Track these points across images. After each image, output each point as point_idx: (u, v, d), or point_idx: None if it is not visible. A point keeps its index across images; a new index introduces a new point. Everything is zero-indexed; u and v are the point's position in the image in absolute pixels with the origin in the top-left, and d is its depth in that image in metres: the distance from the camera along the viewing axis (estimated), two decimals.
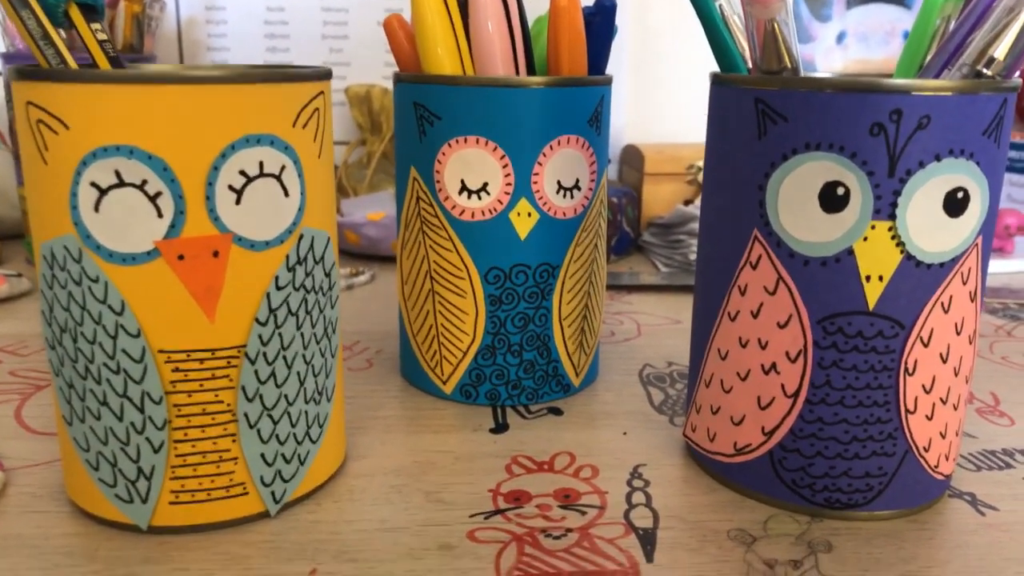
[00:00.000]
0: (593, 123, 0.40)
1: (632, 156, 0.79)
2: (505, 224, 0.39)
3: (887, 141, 0.27)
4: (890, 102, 0.27)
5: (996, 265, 0.69)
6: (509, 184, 0.38)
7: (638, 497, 0.33)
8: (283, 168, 0.28)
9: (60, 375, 0.29)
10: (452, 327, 0.41)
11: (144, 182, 0.26)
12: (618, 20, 0.41)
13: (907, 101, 0.27)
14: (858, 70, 0.89)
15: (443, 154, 0.38)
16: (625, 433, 0.39)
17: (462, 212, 0.39)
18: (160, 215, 0.27)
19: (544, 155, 0.38)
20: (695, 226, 0.69)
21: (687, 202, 0.75)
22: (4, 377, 0.44)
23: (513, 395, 0.41)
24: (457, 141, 0.38)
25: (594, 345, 0.44)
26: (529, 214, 0.39)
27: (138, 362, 0.28)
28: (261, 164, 0.28)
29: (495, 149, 0.38)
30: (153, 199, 0.27)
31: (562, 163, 0.39)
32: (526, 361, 0.41)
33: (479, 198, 0.39)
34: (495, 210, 0.39)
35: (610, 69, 0.41)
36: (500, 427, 0.39)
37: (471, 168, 0.38)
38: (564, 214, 0.40)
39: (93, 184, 0.26)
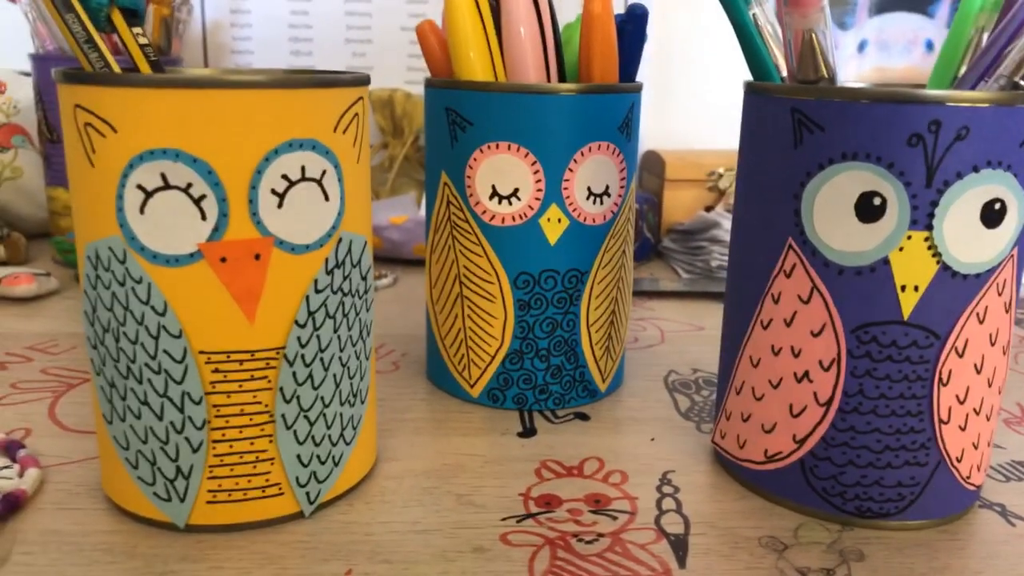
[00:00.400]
0: (623, 130, 0.40)
1: (653, 162, 0.79)
2: (535, 229, 0.39)
3: (925, 152, 0.27)
4: (929, 113, 0.27)
5: None
6: (540, 190, 0.39)
7: (668, 503, 0.33)
8: (324, 172, 0.29)
9: (102, 374, 0.30)
10: (480, 331, 0.41)
11: (189, 185, 0.27)
12: None
13: (946, 112, 0.27)
14: (879, 78, 0.89)
15: (474, 160, 0.39)
16: (653, 439, 0.39)
17: (492, 217, 0.39)
18: (204, 218, 0.27)
19: (575, 161, 0.39)
20: (716, 232, 0.69)
21: (708, 208, 0.75)
22: (36, 375, 0.44)
23: (540, 400, 0.42)
24: (489, 147, 0.38)
25: (620, 351, 0.44)
26: (559, 220, 0.39)
27: (179, 362, 0.28)
28: (303, 168, 0.28)
29: (526, 155, 0.38)
30: (197, 202, 0.27)
31: (592, 169, 0.39)
32: (553, 366, 0.41)
33: (510, 203, 0.39)
34: (525, 215, 0.39)
35: (637, 74, 0.42)
36: (528, 431, 0.39)
37: (502, 174, 0.39)
38: (594, 220, 0.40)
39: (139, 186, 0.27)
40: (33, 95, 0.69)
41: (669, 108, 0.87)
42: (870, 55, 0.88)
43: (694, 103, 0.87)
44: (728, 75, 0.81)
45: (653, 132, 0.87)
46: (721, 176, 0.75)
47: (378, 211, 0.71)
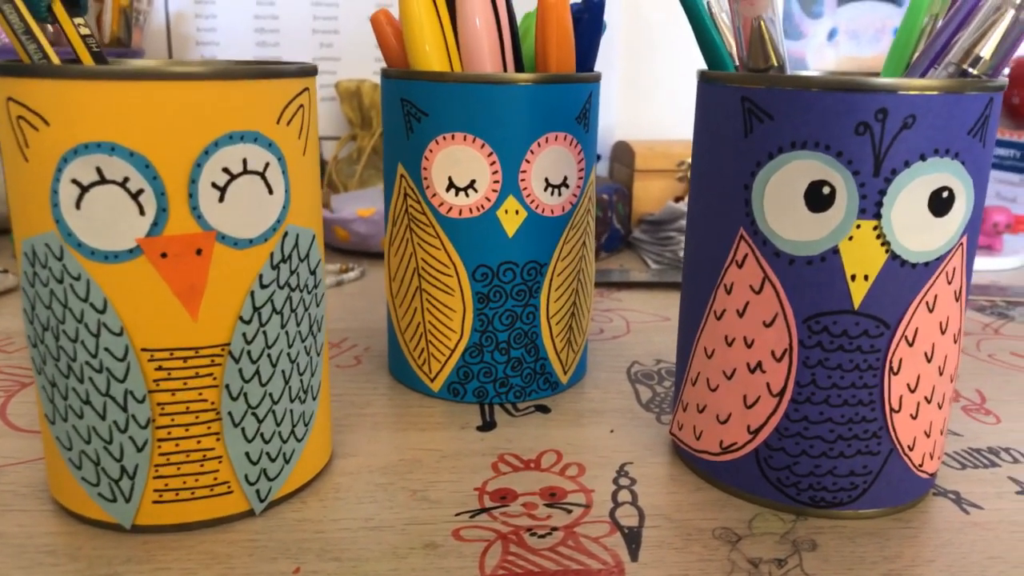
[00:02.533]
0: (581, 120, 0.40)
1: (623, 153, 0.79)
2: (493, 221, 0.39)
3: (872, 140, 0.27)
4: (875, 101, 0.27)
5: (985, 263, 0.70)
6: (497, 181, 0.38)
7: (624, 495, 0.33)
8: (267, 165, 0.28)
9: (43, 373, 0.29)
10: (440, 324, 0.41)
11: (126, 179, 0.26)
12: (609, 17, 0.41)
13: (893, 100, 0.27)
14: (849, 67, 0.89)
15: (430, 151, 0.38)
16: (612, 431, 0.39)
17: (450, 209, 0.39)
18: (142, 213, 0.26)
19: (532, 152, 0.38)
20: (685, 223, 0.69)
21: (678, 199, 0.75)
22: None
23: (501, 393, 0.41)
24: (444, 138, 0.38)
25: (582, 343, 0.44)
26: (517, 211, 0.39)
27: (121, 360, 0.28)
28: (245, 161, 0.28)
29: (483, 146, 0.38)
30: (135, 196, 0.26)
31: (550, 161, 0.39)
32: (514, 359, 0.41)
33: (467, 195, 0.39)
34: (483, 207, 0.39)
35: (600, 66, 0.41)
36: (487, 425, 0.39)
37: (459, 165, 0.38)
38: (552, 212, 0.40)
39: (74, 181, 0.26)
40: None
41: (639, 98, 0.87)
42: (841, 44, 0.89)
43: (664, 94, 0.87)
44: (697, 66, 0.81)
45: (623, 122, 0.86)
46: (690, 167, 0.75)
47: (345, 203, 0.70)
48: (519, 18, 0.41)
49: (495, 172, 0.38)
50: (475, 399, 0.41)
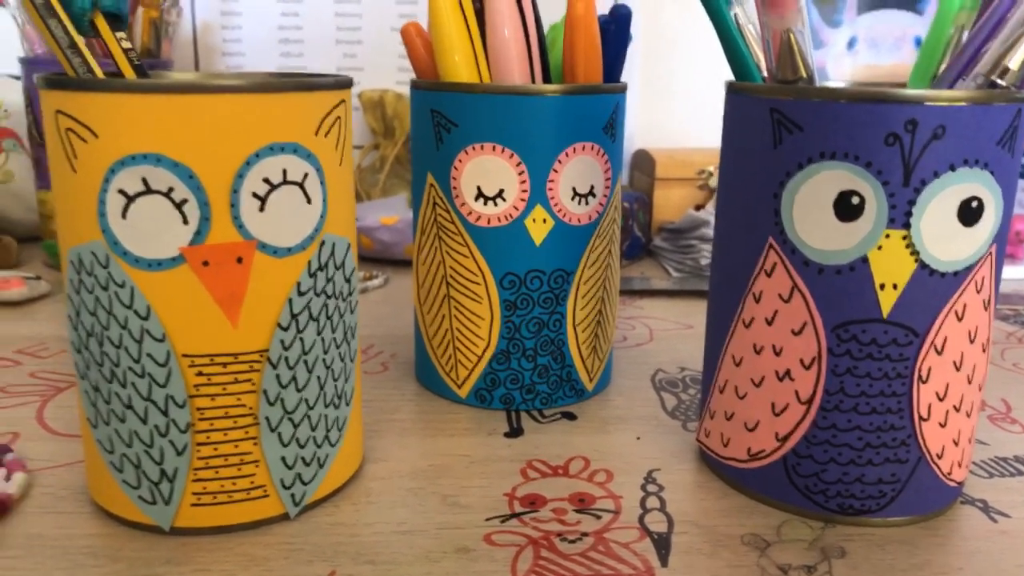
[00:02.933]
0: (608, 130, 0.40)
1: (643, 161, 0.79)
2: (520, 230, 0.39)
3: (902, 151, 0.27)
4: (905, 112, 0.27)
5: (1008, 271, 0.69)
6: (525, 191, 0.39)
7: (652, 502, 0.33)
8: (306, 176, 0.29)
9: (86, 378, 0.30)
10: (467, 332, 0.41)
11: (171, 189, 0.27)
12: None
13: (922, 111, 0.27)
14: (868, 75, 0.89)
15: (460, 161, 0.39)
16: (638, 438, 0.39)
17: (478, 218, 0.39)
18: (186, 222, 0.27)
19: (559, 162, 0.39)
20: (706, 231, 0.69)
21: (698, 207, 0.75)
22: (25, 379, 0.44)
23: (527, 399, 0.42)
24: (474, 148, 0.39)
25: (607, 350, 0.44)
26: (544, 220, 0.39)
27: (163, 366, 0.28)
28: (285, 172, 0.28)
29: (511, 156, 0.38)
30: (179, 206, 0.27)
31: (577, 170, 0.39)
32: (540, 366, 0.41)
33: (495, 204, 0.39)
34: (511, 216, 0.39)
35: (621, 75, 0.42)
36: (514, 431, 0.40)
37: (487, 175, 0.39)
38: (579, 220, 0.40)
39: (121, 191, 0.27)
40: (23, 99, 0.69)
41: (659, 107, 0.87)
42: (860, 52, 0.89)
43: (684, 102, 0.87)
44: (717, 74, 0.81)
45: (643, 131, 0.87)
46: (711, 175, 0.75)
47: (369, 212, 0.71)
48: (546, 29, 0.42)
49: (523, 182, 0.39)
50: (502, 406, 0.42)
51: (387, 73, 0.84)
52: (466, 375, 0.42)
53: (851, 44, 0.88)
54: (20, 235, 0.73)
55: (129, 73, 0.32)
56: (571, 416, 0.41)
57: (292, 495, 0.31)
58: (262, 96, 0.27)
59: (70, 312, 0.30)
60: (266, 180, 0.28)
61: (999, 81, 0.29)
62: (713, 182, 0.75)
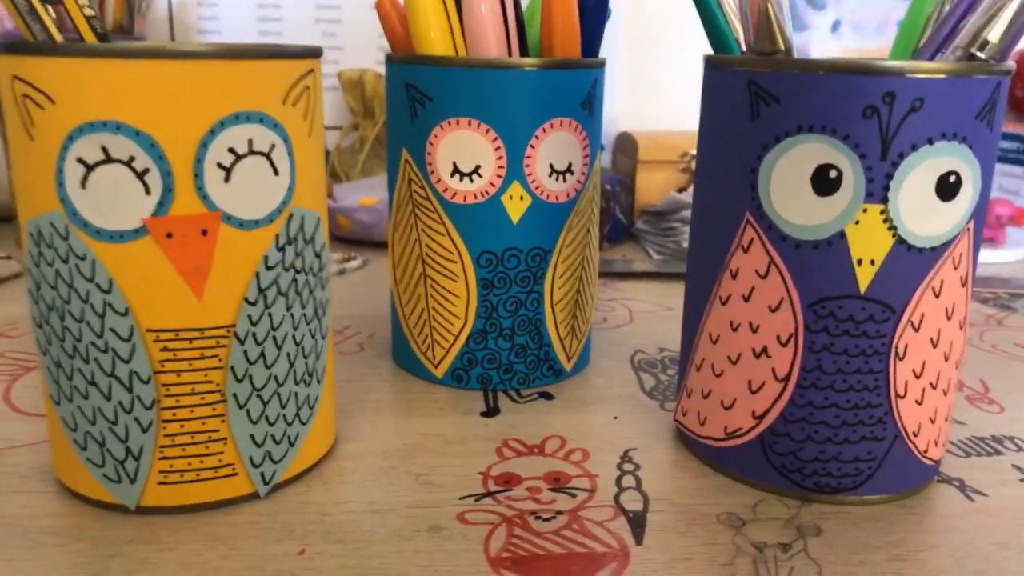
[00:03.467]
0: (586, 106, 0.39)
1: (626, 143, 0.79)
2: (497, 207, 0.39)
3: (880, 124, 0.27)
4: (883, 84, 0.27)
5: (988, 255, 0.70)
6: (501, 167, 0.38)
7: (628, 480, 0.33)
8: (273, 146, 0.28)
9: (47, 354, 0.29)
10: (444, 311, 0.41)
11: (131, 158, 0.26)
12: (612, 6, 0.41)
13: (900, 83, 0.27)
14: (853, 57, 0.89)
15: (435, 136, 0.38)
16: (616, 418, 0.39)
17: (454, 195, 0.39)
18: (148, 192, 0.26)
19: (536, 138, 0.38)
20: (688, 214, 0.69)
21: (680, 190, 0.75)
22: None
23: (504, 379, 0.41)
24: (449, 123, 0.38)
25: (586, 330, 0.44)
26: (521, 197, 0.39)
27: (126, 341, 0.28)
28: (250, 142, 0.27)
29: (487, 131, 0.38)
30: (141, 176, 0.26)
31: (555, 146, 0.39)
32: (518, 345, 0.41)
33: (471, 181, 0.38)
34: (487, 193, 0.39)
35: (604, 57, 0.41)
36: (491, 411, 0.39)
37: (463, 150, 0.38)
38: (557, 198, 0.40)
39: (80, 160, 0.26)
40: None
41: (642, 89, 0.86)
42: (844, 36, 0.88)
43: (666, 85, 0.87)
44: (700, 57, 0.80)
45: (626, 114, 0.86)
46: (693, 157, 0.75)
47: (348, 193, 0.70)
48: (524, 3, 0.41)
49: (500, 157, 0.38)
50: (479, 385, 0.41)
51: (367, 52, 0.83)
52: (442, 355, 0.41)
53: (835, 27, 0.88)
54: None
55: (91, 40, 0.31)
56: (548, 396, 0.41)
57: (261, 473, 0.31)
58: (227, 63, 0.27)
59: (30, 286, 0.29)
60: (231, 150, 0.27)
61: (978, 54, 0.28)
62: (695, 164, 0.75)
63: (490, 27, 0.38)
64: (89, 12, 0.32)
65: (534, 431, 0.37)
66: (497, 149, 0.38)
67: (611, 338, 0.49)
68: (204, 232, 0.27)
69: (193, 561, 0.27)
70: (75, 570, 0.27)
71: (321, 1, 0.82)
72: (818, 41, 0.88)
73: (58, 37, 0.30)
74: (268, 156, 0.28)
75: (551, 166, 0.39)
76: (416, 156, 0.39)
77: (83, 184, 0.26)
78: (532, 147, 0.38)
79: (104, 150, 0.26)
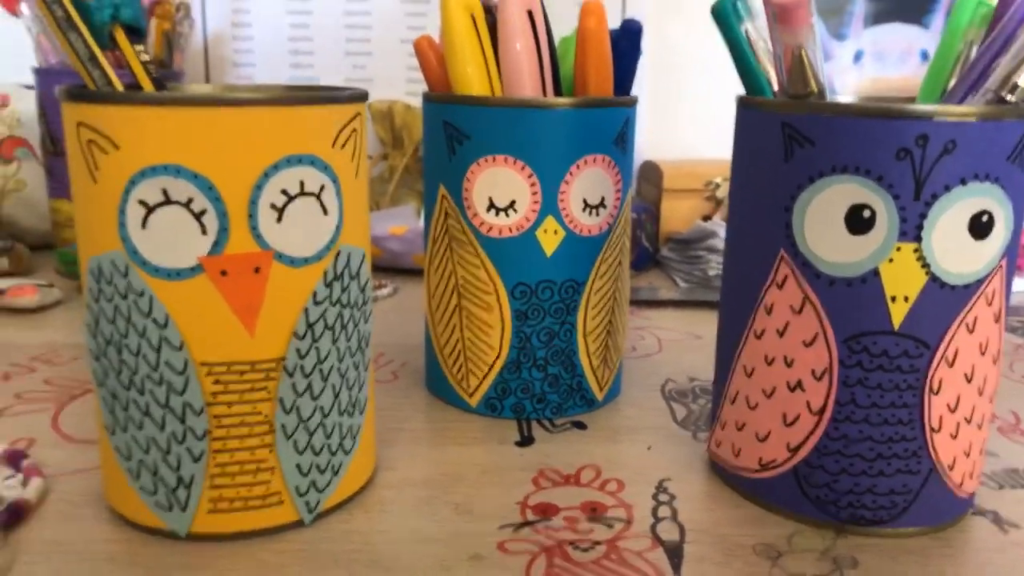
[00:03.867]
0: (619, 143, 0.40)
1: (650, 172, 0.79)
2: (532, 241, 0.40)
3: (913, 165, 0.28)
4: (916, 127, 0.27)
5: (1016, 283, 0.69)
6: (536, 202, 0.39)
7: (664, 511, 0.33)
8: (323, 187, 0.29)
9: (104, 386, 0.30)
10: (478, 341, 0.41)
11: (190, 200, 0.27)
12: None
13: (933, 126, 0.27)
14: (874, 88, 0.89)
15: (472, 172, 0.39)
16: (649, 448, 0.39)
17: (490, 229, 0.40)
18: (204, 232, 0.28)
19: (571, 174, 0.39)
20: (714, 242, 0.69)
21: (706, 218, 0.75)
22: (39, 386, 0.45)
23: (538, 409, 0.42)
24: (486, 160, 0.39)
25: (618, 360, 0.44)
26: (555, 231, 0.40)
27: (180, 374, 0.29)
28: (302, 183, 0.29)
29: (523, 168, 0.39)
30: (198, 216, 0.27)
31: (588, 182, 0.40)
32: (551, 375, 0.42)
33: (507, 215, 0.39)
34: (522, 227, 0.40)
35: (632, 88, 0.42)
36: (525, 440, 0.40)
37: (499, 186, 0.39)
38: (590, 231, 0.40)
39: (141, 202, 0.27)
40: (36, 108, 0.70)
41: (667, 118, 0.87)
42: (866, 66, 0.89)
43: (691, 113, 0.88)
44: (725, 85, 0.81)
45: (651, 142, 0.87)
46: (719, 186, 0.75)
47: (378, 221, 0.72)
48: (557, 42, 0.42)
49: (535, 193, 0.39)
50: (512, 415, 0.42)
51: (396, 84, 0.85)
52: (477, 384, 0.42)
53: (857, 57, 0.89)
54: (32, 243, 0.73)
55: (148, 85, 0.33)
56: (581, 425, 0.42)
57: (307, 502, 0.31)
58: (280, 109, 0.28)
59: (88, 320, 0.30)
60: (284, 191, 0.28)
61: (1009, 97, 0.29)
62: (720, 193, 0.76)
63: (525, 65, 0.39)
64: (145, 57, 0.33)
65: (569, 460, 0.38)
66: (532, 185, 0.39)
67: (641, 367, 0.50)
68: (256, 270, 0.28)
69: None
70: None
71: (351, 34, 0.84)
72: (840, 72, 0.88)
73: (117, 83, 0.31)
74: (318, 197, 0.29)
75: (584, 201, 0.40)
76: (453, 191, 0.40)
77: (143, 224, 0.27)
78: (566, 183, 0.39)
79: (164, 192, 0.27)
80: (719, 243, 0.69)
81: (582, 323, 0.42)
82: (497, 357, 0.41)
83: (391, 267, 0.70)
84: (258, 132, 0.28)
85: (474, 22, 0.39)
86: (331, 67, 0.84)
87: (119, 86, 0.31)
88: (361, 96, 0.31)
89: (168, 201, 0.27)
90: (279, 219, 0.28)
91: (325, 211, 0.30)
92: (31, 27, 0.68)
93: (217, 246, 0.28)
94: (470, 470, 0.36)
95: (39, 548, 0.30)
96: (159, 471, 0.30)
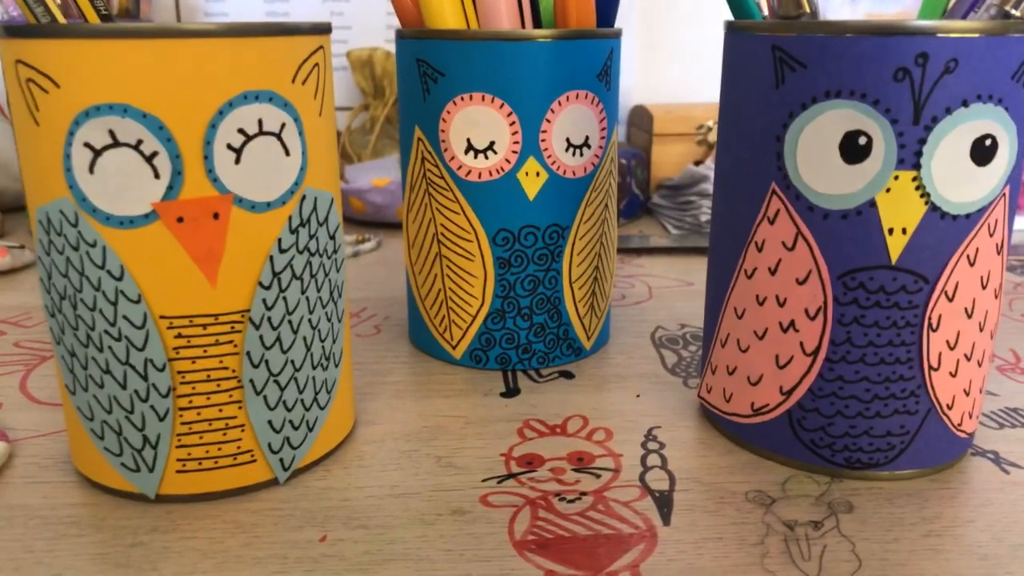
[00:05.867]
0: (603, 77, 0.38)
1: (640, 117, 0.77)
2: (513, 184, 0.38)
3: (912, 87, 0.26)
4: (915, 45, 0.26)
5: (1016, 222, 0.68)
6: (516, 142, 0.37)
7: (653, 459, 0.32)
8: (283, 126, 0.27)
9: (61, 343, 0.29)
10: (461, 291, 0.40)
11: (139, 142, 0.25)
12: None
13: (933, 44, 0.26)
14: None
15: (448, 112, 0.37)
16: (638, 396, 0.38)
17: (468, 172, 0.38)
18: (157, 176, 0.26)
19: (552, 111, 0.37)
20: (705, 187, 0.68)
21: (697, 163, 0.74)
22: (8, 348, 0.43)
23: (524, 359, 0.41)
24: (462, 98, 0.37)
25: (605, 308, 0.43)
26: (538, 173, 0.38)
27: (139, 328, 0.27)
28: (260, 122, 0.27)
29: (501, 106, 0.37)
30: (149, 159, 0.26)
31: (571, 120, 0.38)
32: (536, 325, 0.40)
33: (486, 157, 0.38)
34: (502, 170, 0.38)
35: (617, 27, 0.40)
36: (511, 391, 0.38)
37: (477, 126, 0.37)
38: (574, 173, 0.39)
39: (87, 144, 0.25)
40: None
41: (656, 62, 0.85)
42: (862, 2, 0.86)
43: (681, 56, 0.85)
44: (715, 27, 0.79)
45: (640, 86, 0.85)
46: (710, 129, 0.73)
47: (360, 174, 0.70)
48: None
49: (515, 133, 0.37)
50: (498, 366, 0.41)
51: (376, 31, 0.82)
52: (460, 335, 0.41)
53: None
54: (5, 205, 0.71)
55: (95, 21, 0.31)
56: (569, 375, 0.40)
57: (280, 460, 0.30)
58: (234, 41, 0.26)
59: (42, 275, 0.28)
60: (241, 131, 0.26)
61: (1014, 12, 0.27)
62: (712, 137, 0.73)
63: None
64: None
65: (555, 411, 0.36)
66: (512, 124, 0.37)
67: (631, 315, 0.49)
68: (216, 216, 0.27)
69: (214, 549, 0.27)
70: (97, 560, 0.26)
71: None
72: (836, 9, 0.86)
73: (61, 19, 0.29)
74: (279, 136, 0.27)
75: (567, 140, 0.38)
76: (429, 134, 0.38)
77: (91, 169, 0.26)
78: (548, 121, 0.37)
79: (111, 134, 0.25)
80: (710, 187, 0.67)
81: (567, 270, 0.40)
82: (480, 307, 0.40)
83: (374, 220, 0.68)
84: (210, 66, 0.26)
85: None
86: (308, 15, 0.81)
87: (63, 22, 0.29)
88: (323, 28, 0.29)
89: (116, 143, 0.25)
90: (237, 160, 0.27)
91: (287, 152, 0.28)
92: None
93: (171, 191, 0.26)
94: (453, 423, 0.35)
95: (2, 513, 0.29)
96: (123, 431, 0.28)
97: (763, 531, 0.28)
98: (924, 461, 0.31)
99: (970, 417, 0.31)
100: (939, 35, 0.26)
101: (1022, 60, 0.26)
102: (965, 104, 0.26)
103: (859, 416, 0.30)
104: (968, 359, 0.30)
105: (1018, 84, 0.27)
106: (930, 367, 0.29)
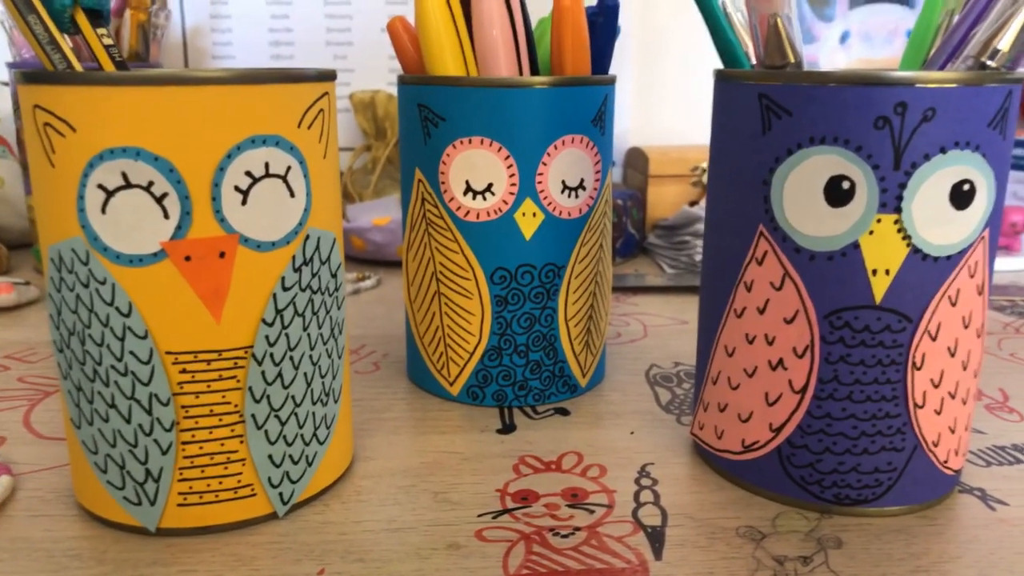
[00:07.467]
0: (597, 123, 0.40)
1: (636, 158, 0.79)
2: (510, 224, 0.39)
3: (892, 134, 0.27)
4: (894, 95, 0.27)
5: (1003, 263, 0.69)
6: (514, 184, 0.38)
7: (646, 495, 0.33)
8: (289, 169, 0.28)
9: (68, 378, 0.29)
10: (458, 328, 0.41)
11: (150, 183, 0.26)
12: (621, 22, 0.41)
13: (912, 93, 0.27)
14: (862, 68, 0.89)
15: (448, 155, 0.39)
16: (632, 432, 0.39)
17: (467, 213, 0.39)
18: (166, 216, 0.27)
19: (548, 155, 0.38)
20: (700, 227, 0.69)
21: (692, 203, 0.75)
22: (13, 384, 0.44)
23: (520, 396, 0.41)
24: (462, 142, 0.38)
25: (600, 345, 0.44)
26: (534, 214, 0.39)
27: (146, 364, 0.28)
28: (267, 165, 0.28)
29: (499, 150, 0.38)
30: (159, 200, 0.27)
31: (566, 163, 0.39)
32: (532, 362, 0.41)
33: (484, 199, 0.39)
34: (500, 210, 0.39)
35: (613, 71, 0.41)
36: (507, 427, 0.39)
37: (476, 169, 0.38)
38: (569, 214, 0.40)
39: (100, 186, 0.26)
40: (11, 104, 0.69)
41: (652, 104, 0.87)
42: (853, 47, 0.89)
43: (677, 99, 0.87)
44: (709, 71, 0.81)
45: (636, 128, 0.87)
46: (705, 171, 0.75)
47: (361, 213, 0.71)
48: (534, 22, 0.41)
49: (512, 175, 0.38)
50: (494, 402, 0.41)
51: (378, 74, 0.84)
52: (458, 372, 0.41)
53: (844, 38, 0.88)
54: (10, 241, 0.72)
55: (110, 69, 0.32)
56: (564, 412, 0.41)
57: (280, 494, 0.31)
58: (243, 88, 0.27)
59: (51, 311, 0.29)
60: (248, 173, 0.27)
61: (989, 63, 0.29)
62: (707, 178, 0.75)
63: (501, 46, 0.38)
64: (107, 41, 0.32)
65: (551, 447, 0.37)
66: (509, 167, 0.38)
67: (626, 353, 0.49)
68: (222, 254, 0.28)
69: None
70: None
71: (332, 24, 0.83)
72: (827, 53, 0.88)
73: (77, 66, 0.30)
74: (284, 178, 0.28)
75: (563, 182, 0.39)
76: (429, 175, 0.39)
77: (103, 210, 0.27)
78: (544, 164, 0.38)
79: (124, 176, 0.26)
80: None
81: (563, 308, 0.41)
82: (477, 344, 0.41)
83: (375, 259, 0.69)
84: (219, 112, 0.27)
85: (448, 3, 0.38)
86: (312, 58, 0.83)
87: (79, 68, 0.30)
88: (328, 75, 0.30)
89: (128, 185, 0.26)
90: (244, 202, 0.28)
91: (292, 193, 0.29)
92: (4, 21, 0.67)
93: (180, 230, 0.27)
94: (450, 459, 0.36)
95: (4, 546, 0.29)
96: (126, 465, 0.29)
97: (753, 566, 0.28)
98: (912, 498, 0.31)
99: (956, 454, 0.32)
100: (917, 85, 0.27)
101: (998, 108, 0.28)
102: (943, 151, 0.27)
103: (847, 452, 0.30)
104: (952, 397, 0.30)
105: (995, 132, 0.28)
106: (915, 405, 0.30)
